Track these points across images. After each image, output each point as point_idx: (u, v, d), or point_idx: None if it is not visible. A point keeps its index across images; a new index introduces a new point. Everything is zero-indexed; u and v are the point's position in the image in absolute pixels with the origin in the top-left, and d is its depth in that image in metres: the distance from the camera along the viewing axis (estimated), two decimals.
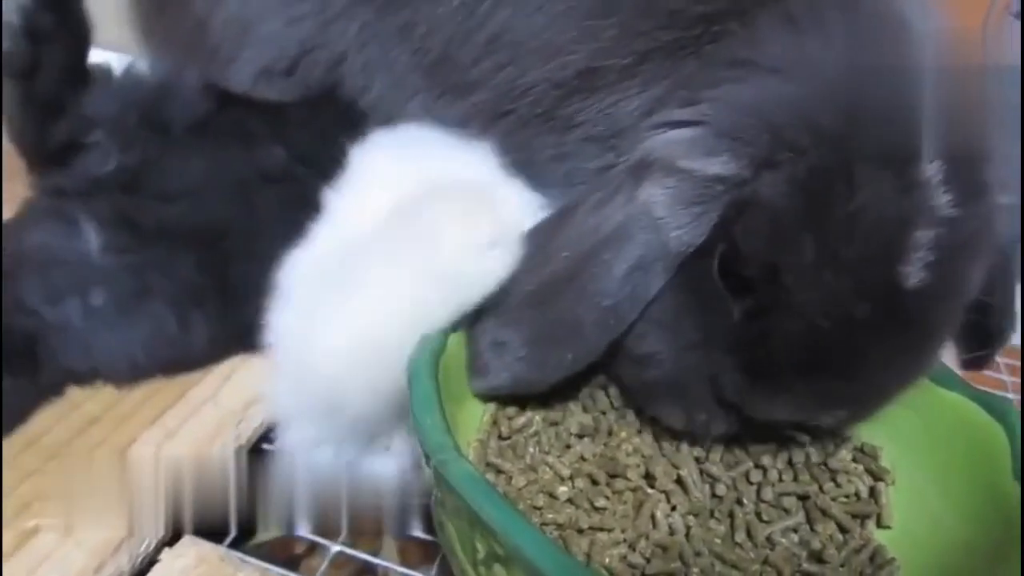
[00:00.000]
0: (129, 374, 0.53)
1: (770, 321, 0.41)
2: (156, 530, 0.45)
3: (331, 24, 0.57)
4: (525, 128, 0.54)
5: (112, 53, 0.96)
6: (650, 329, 0.45)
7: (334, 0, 0.56)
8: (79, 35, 0.55)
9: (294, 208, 0.52)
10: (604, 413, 0.52)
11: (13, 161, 0.69)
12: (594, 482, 0.47)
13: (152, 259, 0.53)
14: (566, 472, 0.47)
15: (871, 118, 0.40)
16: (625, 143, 0.49)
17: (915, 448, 0.50)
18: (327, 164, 0.53)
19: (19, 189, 0.62)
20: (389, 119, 0.59)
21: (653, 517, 0.46)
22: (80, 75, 0.56)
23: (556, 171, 0.54)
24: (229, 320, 0.53)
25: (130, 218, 0.54)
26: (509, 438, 0.49)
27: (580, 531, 0.44)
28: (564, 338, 0.44)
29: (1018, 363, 0.77)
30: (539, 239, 0.47)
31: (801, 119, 0.40)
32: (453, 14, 0.52)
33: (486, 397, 0.49)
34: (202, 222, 0.55)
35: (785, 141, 0.40)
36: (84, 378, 0.53)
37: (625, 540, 0.45)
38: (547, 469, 0.47)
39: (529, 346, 0.45)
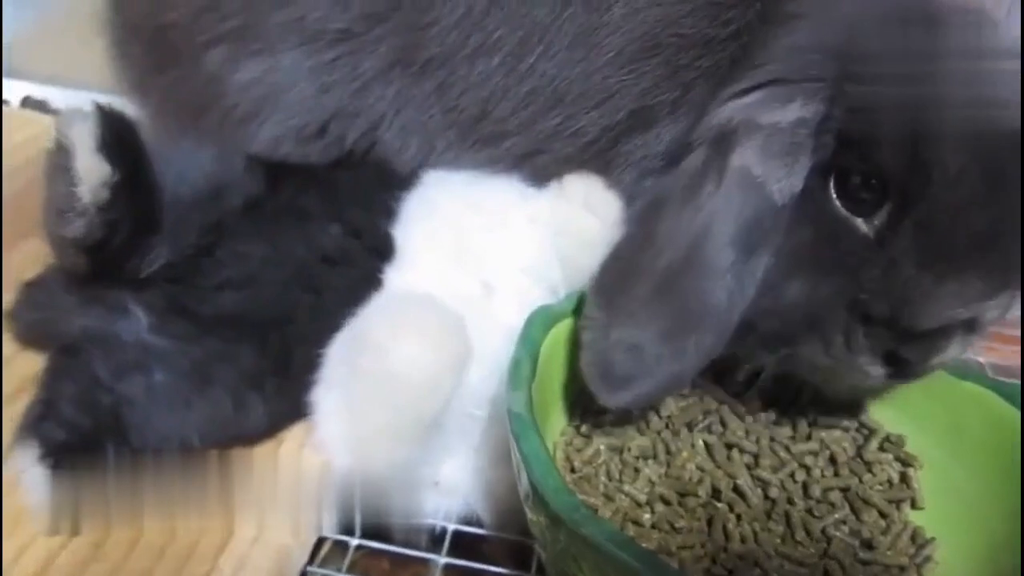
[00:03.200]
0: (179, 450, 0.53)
1: (920, 213, 0.42)
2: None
3: (365, 91, 0.57)
4: (569, 163, 0.56)
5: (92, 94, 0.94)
6: (782, 280, 0.47)
7: (367, 67, 0.56)
8: (152, 206, 0.52)
9: (358, 290, 0.53)
10: (659, 433, 0.55)
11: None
12: (666, 503, 0.51)
13: (210, 348, 0.52)
14: (642, 498, 0.50)
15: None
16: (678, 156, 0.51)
17: (939, 434, 0.55)
18: (377, 238, 0.54)
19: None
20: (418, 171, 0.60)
21: (725, 529, 0.50)
22: (152, 228, 0.52)
23: None
24: (288, 398, 0.53)
25: (183, 306, 0.53)
26: (581, 471, 0.52)
27: (670, 554, 0.48)
28: (697, 320, 0.46)
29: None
30: (637, 242, 0.49)
31: (863, 28, 0.43)
32: (493, 73, 0.54)
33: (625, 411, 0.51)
34: (265, 312, 0.54)
35: (855, 53, 0.43)
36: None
37: (706, 555, 0.49)
38: (623, 497, 0.51)
39: (665, 341, 0.46)
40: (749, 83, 0.47)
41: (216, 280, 0.54)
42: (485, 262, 0.55)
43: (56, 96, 0.98)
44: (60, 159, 0.47)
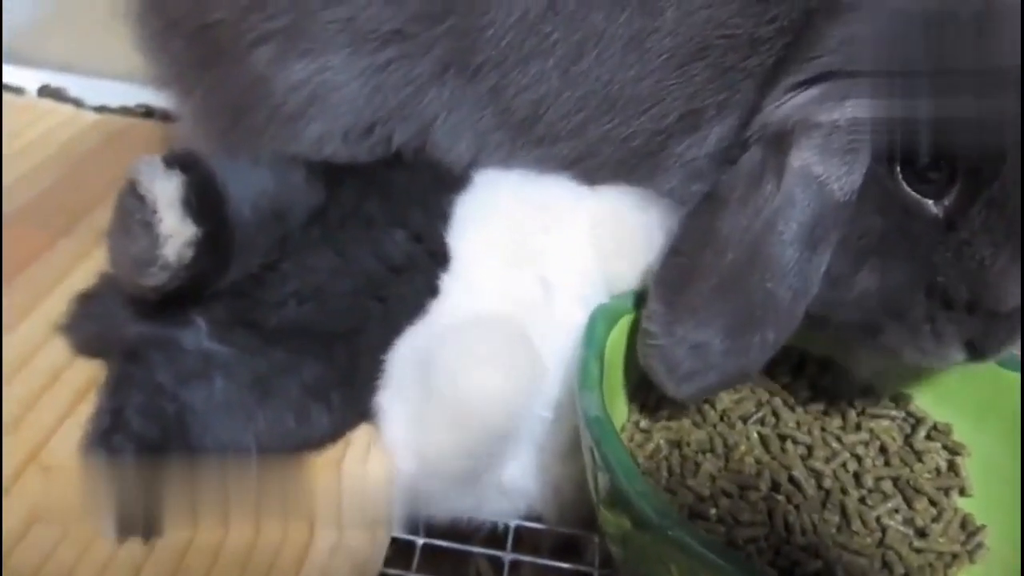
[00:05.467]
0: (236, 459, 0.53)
1: (993, 192, 0.42)
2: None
3: (419, 93, 0.56)
4: (619, 168, 0.56)
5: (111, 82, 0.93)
6: (851, 270, 0.47)
7: (421, 70, 0.55)
8: (231, 250, 0.52)
9: (421, 296, 0.54)
10: (715, 427, 0.56)
11: None
12: (728, 496, 0.52)
13: (273, 360, 0.52)
14: (705, 492, 0.51)
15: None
16: (735, 152, 0.51)
17: (984, 422, 0.56)
18: (436, 242, 0.55)
19: None
20: (470, 171, 0.60)
21: (786, 521, 0.51)
22: (228, 267, 0.52)
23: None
24: (354, 407, 0.53)
25: (246, 318, 0.53)
26: (644, 467, 0.53)
27: (737, 547, 0.49)
28: (761, 318, 0.47)
29: None
30: (698, 239, 0.50)
31: (925, 26, 0.43)
32: (546, 76, 0.53)
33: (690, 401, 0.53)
34: (332, 322, 0.54)
35: (918, 51, 0.43)
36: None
37: (770, 547, 0.50)
38: (687, 492, 0.51)
39: (729, 338, 0.47)
40: (805, 76, 0.47)
41: (282, 294, 0.54)
42: (546, 262, 0.56)
43: (74, 84, 0.96)
44: (140, 213, 0.46)
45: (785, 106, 0.48)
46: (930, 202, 0.45)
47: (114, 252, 0.49)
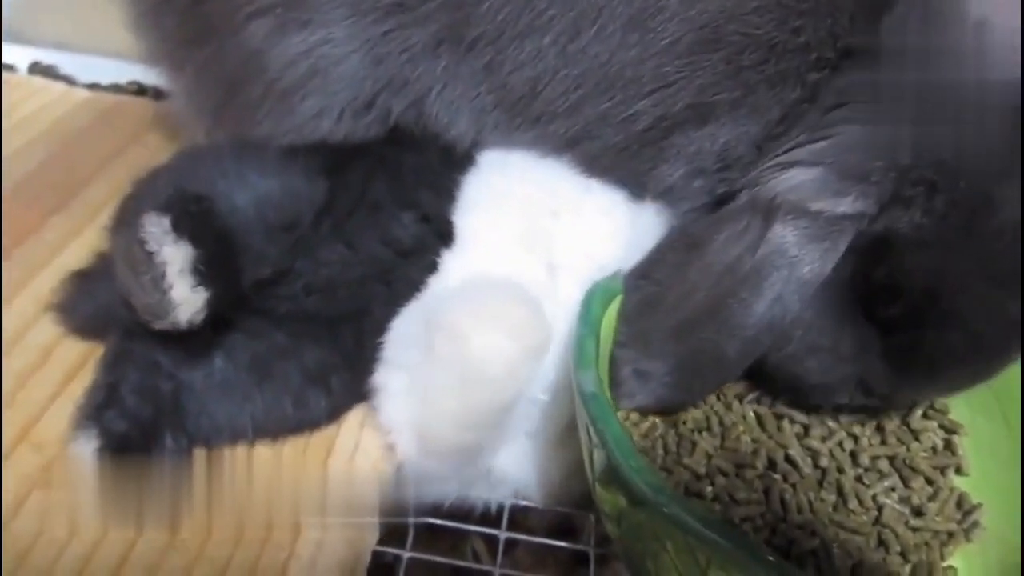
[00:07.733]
0: (230, 442, 0.53)
1: (925, 333, 0.46)
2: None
3: (413, 66, 0.55)
4: (620, 153, 0.56)
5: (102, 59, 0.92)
6: (805, 353, 0.50)
7: (415, 40, 0.54)
8: (241, 290, 0.51)
9: (426, 276, 0.53)
10: (711, 406, 0.56)
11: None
12: (724, 475, 0.52)
13: (274, 344, 0.52)
14: (701, 471, 0.51)
15: (989, 138, 0.43)
16: (736, 173, 0.52)
17: (981, 401, 0.56)
18: (445, 222, 0.54)
19: None
20: (471, 150, 0.59)
21: (782, 500, 0.51)
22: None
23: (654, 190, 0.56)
24: (356, 390, 0.53)
25: (256, 308, 0.52)
26: (639, 445, 0.53)
27: (734, 526, 0.49)
28: (707, 366, 0.50)
29: None
30: (668, 273, 0.51)
31: (925, 156, 0.44)
32: (543, 53, 0.52)
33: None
34: (339, 308, 0.54)
35: (912, 179, 0.44)
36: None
37: (766, 525, 0.50)
38: (683, 470, 0.51)
39: (673, 374, 0.50)
40: (812, 158, 0.48)
41: (293, 289, 0.54)
42: (553, 246, 0.55)
43: (65, 61, 0.95)
44: (150, 272, 0.44)
45: (783, 180, 0.48)
46: (878, 308, 0.48)
47: (124, 287, 0.47)
